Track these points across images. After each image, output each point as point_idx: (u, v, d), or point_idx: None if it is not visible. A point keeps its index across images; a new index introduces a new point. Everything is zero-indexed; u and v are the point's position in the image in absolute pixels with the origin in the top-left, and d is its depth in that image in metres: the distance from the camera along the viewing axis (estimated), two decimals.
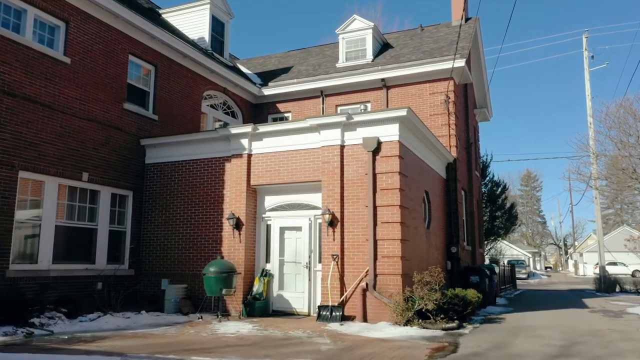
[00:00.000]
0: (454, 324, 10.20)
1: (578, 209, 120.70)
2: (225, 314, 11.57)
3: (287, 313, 11.94)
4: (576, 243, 69.50)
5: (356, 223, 11.18)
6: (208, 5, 17.29)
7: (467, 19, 19.08)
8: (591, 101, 25.85)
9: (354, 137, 11.48)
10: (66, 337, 8.58)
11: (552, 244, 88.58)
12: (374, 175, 11.12)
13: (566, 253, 78.33)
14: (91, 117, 12.09)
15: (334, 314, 10.71)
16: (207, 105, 17.21)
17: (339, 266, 11.11)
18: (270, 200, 12.63)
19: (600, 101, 56.92)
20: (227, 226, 12.34)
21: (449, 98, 16.20)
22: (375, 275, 10.80)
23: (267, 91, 18.62)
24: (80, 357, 6.87)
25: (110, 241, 12.48)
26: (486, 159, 27.93)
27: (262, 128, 12.39)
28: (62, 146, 11.33)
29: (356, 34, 18.63)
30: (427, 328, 9.98)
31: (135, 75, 13.72)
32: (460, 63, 15.99)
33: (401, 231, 10.81)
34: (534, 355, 7.59)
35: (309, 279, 11.93)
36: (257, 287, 12.02)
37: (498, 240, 32.58)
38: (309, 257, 11.99)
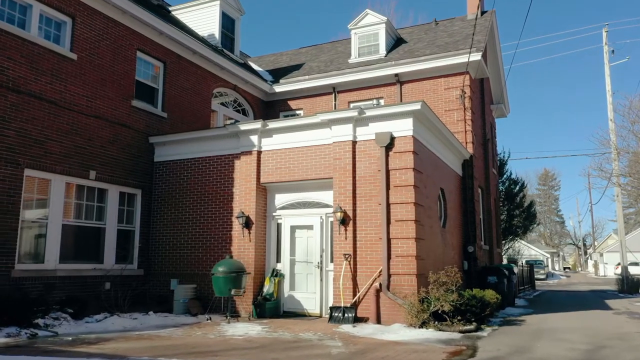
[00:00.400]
0: (471, 326, 9.77)
1: (597, 208, 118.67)
2: (234, 315, 11.27)
3: (298, 314, 11.60)
4: (596, 243, 68.08)
5: (369, 221, 10.79)
6: (218, 2, 17.04)
7: (483, 12, 18.58)
8: (612, 96, 25.08)
9: (366, 133, 11.10)
10: (70, 338, 8.34)
11: (570, 244, 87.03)
12: (387, 171, 10.73)
13: (585, 253, 76.87)
14: (98, 114, 11.89)
15: (346, 315, 10.35)
16: (218, 103, 16.97)
17: (352, 266, 10.74)
18: (280, 199, 12.31)
19: (623, 95, 55.55)
20: (236, 225, 12.05)
21: (465, 93, 15.73)
22: (389, 276, 10.41)
23: (278, 88, 18.32)
24: None
25: (119, 240, 12.27)
26: (503, 157, 27.33)
27: (272, 124, 12.07)
28: (69, 144, 11.13)
29: (369, 29, 18.24)
30: (443, 330, 9.57)
31: (143, 72, 13.49)
32: (476, 57, 15.51)
33: (416, 230, 10.40)
34: None
35: (321, 279, 11.58)
36: (268, 287, 11.70)
37: (516, 240, 31.90)
38: (321, 256, 11.64)
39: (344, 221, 10.87)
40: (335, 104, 17.47)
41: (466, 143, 15.47)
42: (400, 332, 9.31)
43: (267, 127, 12.02)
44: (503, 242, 26.49)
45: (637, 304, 17.49)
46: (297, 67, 19.51)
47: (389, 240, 10.49)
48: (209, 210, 12.50)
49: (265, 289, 11.72)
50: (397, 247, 10.44)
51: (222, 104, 17.24)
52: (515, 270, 18.06)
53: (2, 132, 9.83)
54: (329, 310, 10.76)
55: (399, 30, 19.91)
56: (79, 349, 7.37)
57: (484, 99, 18.34)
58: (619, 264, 27.70)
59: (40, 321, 8.98)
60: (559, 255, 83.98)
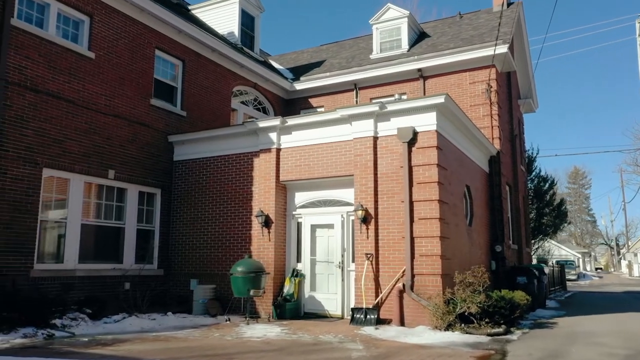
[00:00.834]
0: (500, 329, 9.30)
1: (631, 206, 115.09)
2: (254, 316, 11.03)
3: (319, 315, 11.30)
4: (629, 242, 65.88)
5: (391, 219, 10.42)
6: None
7: (509, 4, 17.97)
8: None
9: (388, 128, 10.73)
10: (86, 339, 8.21)
11: (602, 243, 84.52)
12: (410, 168, 10.33)
13: (618, 253, 74.48)
14: (117, 113, 11.81)
15: (368, 316, 10.00)
16: (238, 102, 16.80)
17: (374, 266, 10.38)
18: (300, 197, 12.02)
19: None
20: (256, 224, 11.81)
21: (491, 87, 15.19)
22: (413, 276, 10.01)
23: (299, 86, 18.06)
24: None
25: (139, 240, 12.16)
26: (532, 153, 26.55)
27: (291, 121, 11.80)
28: (88, 143, 11.06)
29: (391, 23, 17.83)
30: (470, 333, 9.13)
31: (162, 70, 13.39)
32: (503, 49, 14.95)
33: (440, 228, 9.98)
34: None
35: (342, 280, 11.25)
36: (288, 288, 11.44)
37: (546, 239, 30.94)
38: (342, 256, 11.31)
39: (365, 219, 10.52)
40: (356, 101, 17.12)
41: (493, 139, 14.93)
42: (424, 335, 8.92)
43: (286, 124, 11.75)
44: (532, 241, 25.69)
45: None
46: (317, 64, 19.22)
47: (412, 239, 10.10)
48: (228, 209, 12.30)
49: (285, 290, 11.45)
50: (420, 246, 10.04)
51: (242, 102, 17.07)
52: (546, 270, 17.37)
53: (21, 131, 9.79)
54: (350, 312, 10.42)
55: (422, 24, 19.42)
56: (93, 351, 7.22)
57: (511, 94, 17.73)
58: None
59: (57, 321, 8.88)
60: (590, 256, 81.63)
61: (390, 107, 10.65)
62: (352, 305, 10.65)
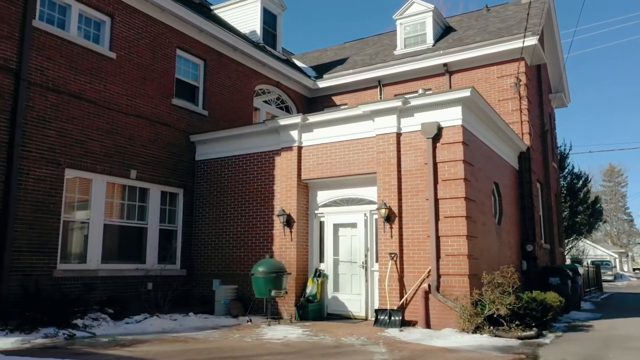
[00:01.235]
0: (531, 332, 8.87)
1: None
2: (276, 317, 10.85)
3: (343, 316, 11.04)
4: None
5: (416, 218, 10.08)
6: None
7: None
8: None
9: (412, 124, 10.40)
10: (106, 340, 8.16)
11: None
12: (435, 164, 9.98)
13: None
14: (138, 113, 11.80)
15: (392, 318, 9.69)
16: (261, 101, 16.68)
17: (398, 266, 10.06)
18: (322, 196, 11.79)
19: None
20: (277, 224, 11.63)
21: (520, 80, 14.66)
22: (439, 276, 9.65)
23: (322, 84, 17.84)
24: None
25: (161, 240, 12.13)
26: (564, 149, 25.66)
27: (312, 118, 11.58)
28: (109, 143, 11.07)
29: (415, 18, 17.43)
30: (499, 336, 8.73)
31: (183, 70, 13.35)
32: (532, 41, 14.40)
33: (467, 226, 9.60)
34: None
35: (366, 280, 10.96)
36: (311, 288, 11.21)
37: (580, 239, 29.89)
38: (365, 255, 11.02)
39: (389, 218, 10.22)
40: (380, 98, 16.78)
41: (522, 134, 14.41)
42: (451, 338, 8.57)
43: (307, 122, 11.53)
44: (566, 241, 24.83)
45: None
46: (341, 61, 18.96)
47: (437, 238, 9.75)
48: (249, 208, 12.16)
49: (308, 290, 11.23)
50: (446, 246, 9.68)
51: (265, 101, 16.94)
52: (580, 270, 16.68)
53: (43, 132, 9.85)
54: (374, 313, 10.14)
55: (448, 18, 18.95)
56: (110, 352, 7.13)
57: (541, 88, 17.11)
58: None
59: (79, 322, 8.86)
60: (627, 256, 78.86)
61: (413, 102, 10.31)
62: (376, 307, 10.35)
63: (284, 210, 11.45)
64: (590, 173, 30.15)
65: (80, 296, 9.64)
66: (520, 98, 14.66)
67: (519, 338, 8.65)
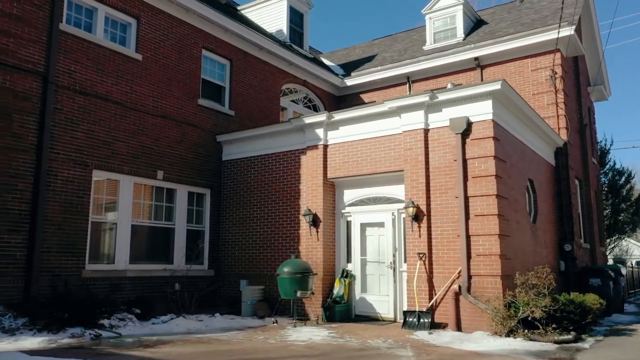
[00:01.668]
0: (569, 336, 8.40)
1: None
2: (303, 318, 10.68)
3: (371, 318, 10.78)
4: None
5: (445, 217, 9.74)
6: None
7: None
8: None
9: (440, 119, 10.06)
10: (131, 340, 8.16)
11: None
12: (464, 161, 9.61)
13: None
14: (165, 114, 11.84)
15: (421, 320, 9.37)
16: (288, 101, 16.57)
17: (427, 266, 9.74)
18: (349, 195, 11.55)
19: None
20: (304, 223, 11.46)
21: (556, 73, 14.06)
22: (470, 277, 9.28)
23: (349, 82, 17.61)
24: None
25: (188, 241, 12.13)
26: (605, 145, 24.60)
27: (337, 115, 11.36)
28: (136, 144, 11.15)
29: (445, 11, 16.98)
30: (534, 340, 8.30)
31: (209, 70, 13.35)
32: (568, 31, 13.79)
33: (499, 225, 9.19)
34: None
35: (394, 281, 10.67)
36: (338, 289, 11.00)
37: (623, 238, 28.61)
38: (394, 256, 10.73)
39: (417, 217, 9.90)
40: (409, 94, 16.41)
41: (559, 129, 13.80)
42: (482, 342, 8.20)
43: (333, 119, 11.33)
44: (607, 240, 23.79)
45: None
46: (369, 58, 18.68)
47: (468, 237, 9.37)
48: (276, 208, 12.04)
49: (335, 291, 11.02)
50: (477, 245, 9.30)
51: (292, 101, 16.82)
52: (623, 271, 15.88)
53: (71, 134, 9.97)
54: (402, 315, 9.84)
55: (479, 12, 18.40)
56: (133, 352, 7.10)
57: (579, 80, 16.40)
58: None
59: (105, 322, 8.90)
60: None
61: (441, 97, 9.97)
62: (404, 308, 10.06)
63: (310, 210, 11.27)
64: (634, 169, 28.78)
65: (107, 296, 9.71)
66: (556, 91, 14.05)
67: (556, 342, 8.21)
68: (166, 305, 10.50)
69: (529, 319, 8.47)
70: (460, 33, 16.54)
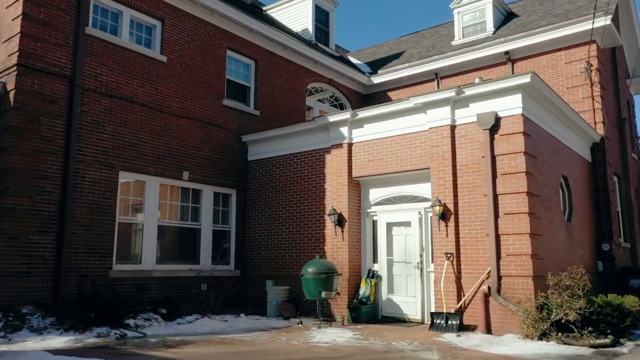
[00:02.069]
0: (606, 340, 7.97)
1: None
2: (328, 319, 10.54)
3: (398, 319, 10.54)
4: None
5: (473, 215, 9.42)
6: None
7: None
8: None
9: (467, 115, 9.75)
10: (154, 340, 8.19)
11: None
12: (493, 157, 9.28)
13: None
14: (190, 114, 11.90)
15: (449, 322, 9.09)
16: (314, 100, 16.45)
17: (454, 266, 9.45)
18: (374, 193, 11.35)
19: None
20: (329, 223, 11.32)
21: (591, 65, 13.48)
22: (499, 278, 8.95)
23: (376, 79, 17.37)
24: None
25: (215, 241, 12.16)
26: None
27: (362, 113, 11.17)
28: (161, 145, 11.23)
29: (474, 5, 16.55)
30: (568, 344, 7.92)
31: (234, 70, 13.36)
32: (604, 21, 13.20)
33: (530, 224, 8.83)
34: None
35: (421, 281, 10.41)
36: (364, 290, 10.81)
37: None
38: (420, 255, 10.47)
39: (444, 216, 9.62)
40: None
41: (595, 123, 13.23)
42: (513, 345, 7.87)
43: (357, 117, 11.15)
44: None
45: None
46: (396, 56, 18.38)
47: (497, 236, 9.04)
48: (301, 208, 11.94)
49: (361, 292, 10.83)
50: (507, 245, 8.96)
51: (318, 100, 16.70)
52: None
53: (98, 136, 10.11)
54: (430, 316, 9.58)
55: (509, 4, 17.86)
56: (155, 353, 7.10)
57: (616, 72, 15.70)
58: None
59: (131, 322, 8.98)
60: None
61: (468, 92, 9.66)
62: (432, 309, 9.79)
63: (334, 210, 11.12)
64: None
65: (133, 296, 9.80)
66: (591, 84, 13.48)
67: (592, 346, 7.81)
68: (192, 306, 10.53)
69: (563, 321, 8.10)
70: (490, 27, 16.08)
